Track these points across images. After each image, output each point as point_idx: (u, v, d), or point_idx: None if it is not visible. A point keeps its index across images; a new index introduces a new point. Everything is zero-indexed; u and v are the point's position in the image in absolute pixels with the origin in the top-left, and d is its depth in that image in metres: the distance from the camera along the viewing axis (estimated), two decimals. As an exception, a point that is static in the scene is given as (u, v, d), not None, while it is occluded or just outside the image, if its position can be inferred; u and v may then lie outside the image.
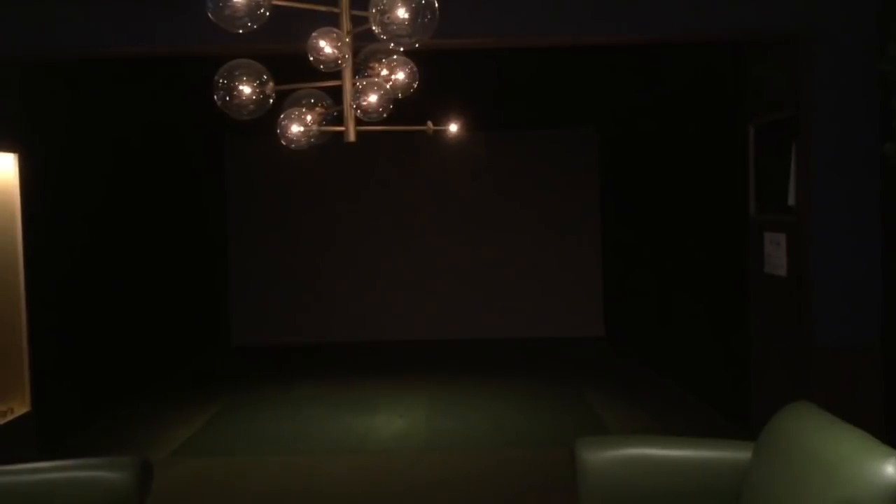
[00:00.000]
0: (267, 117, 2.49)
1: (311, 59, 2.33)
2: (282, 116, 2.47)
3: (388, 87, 2.44)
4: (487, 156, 9.58)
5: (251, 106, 2.39)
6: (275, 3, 2.12)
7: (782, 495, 2.60)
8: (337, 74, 2.38)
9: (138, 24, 3.93)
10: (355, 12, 2.27)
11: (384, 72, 2.49)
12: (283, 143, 2.48)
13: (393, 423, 6.23)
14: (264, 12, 2.11)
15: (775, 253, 4.21)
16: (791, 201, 4.09)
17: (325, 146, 2.89)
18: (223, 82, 2.37)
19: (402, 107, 2.72)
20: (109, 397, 6.62)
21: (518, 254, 9.77)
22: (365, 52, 2.55)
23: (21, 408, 5.13)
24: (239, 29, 2.16)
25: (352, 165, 9.54)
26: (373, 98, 2.38)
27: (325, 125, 2.54)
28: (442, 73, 5.75)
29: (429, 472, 5.13)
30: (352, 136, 2.40)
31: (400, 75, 2.50)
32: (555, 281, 9.77)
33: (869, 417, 3.72)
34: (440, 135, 5.30)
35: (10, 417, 5.01)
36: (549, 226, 9.77)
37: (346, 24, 2.32)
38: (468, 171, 9.65)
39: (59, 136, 5.88)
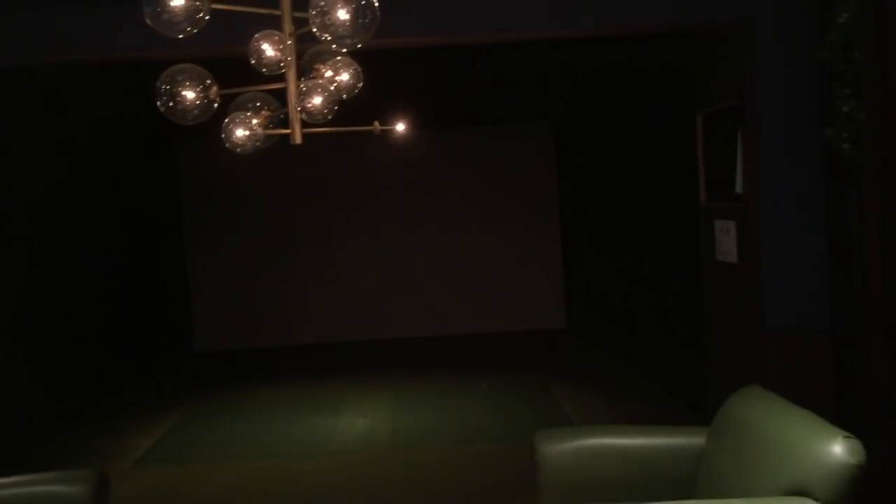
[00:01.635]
0: (221, 120, 2.47)
1: (254, 62, 2.32)
2: (226, 120, 2.45)
3: (332, 88, 2.44)
4: (445, 153, 9.60)
5: (195, 111, 2.36)
6: (214, 6, 2.11)
7: (735, 479, 2.66)
8: (282, 77, 2.37)
9: (80, 32, 3.88)
10: (297, 14, 2.26)
11: (328, 73, 2.48)
12: (229, 148, 2.46)
13: (357, 423, 6.22)
14: (203, 16, 2.10)
15: (725, 240, 4.28)
16: (738, 189, 4.16)
17: (277, 149, 2.88)
18: (166, 88, 2.35)
19: (354, 107, 2.71)
20: (69, 408, 6.52)
21: (478, 250, 9.80)
22: (309, 53, 2.55)
23: (-24, 424, 5.05)
24: (178, 34, 2.14)
25: (307, 168, 9.50)
26: (317, 100, 2.38)
27: (272, 128, 2.54)
28: (395, 71, 5.76)
29: (393, 471, 5.14)
30: (298, 139, 2.40)
31: (344, 76, 2.49)
32: (516, 275, 9.82)
33: (820, 399, 3.80)
34: (391, 134, 5.32)
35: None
36: (509, 221, 9.81)
37: (287, 26, 2.31)
38: (425, 169, 9.66)
39: (9, 145, 5.77)
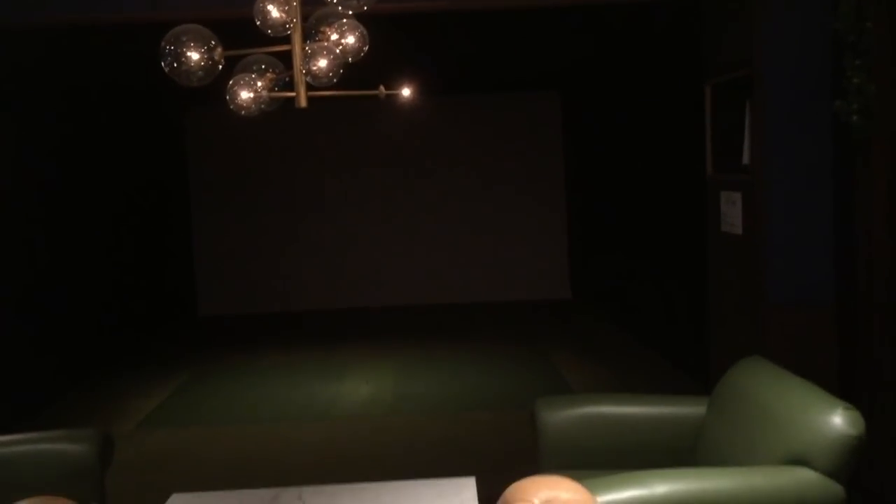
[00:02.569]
0: (225, 84, 2.45)
1: (259, 23, 2.29)
2: (231, 83, 2.44)
3: (338, 51, 2.41)
4: (451, 120, 9.56)
5: (200, 72, 2.34)
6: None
7: (734, 448, 2.67)
8: (287, 39, 2.35)
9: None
10: (304, -25, 2.24)
11: (334, 36, 2.46)
12: (233, 110, 2.45)
13: (360, 389, 6.26)
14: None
15: (731, 212, 4.26)
16: (745, 160, 4.13)
17: (282, 114, 2.86)
18: (170, 49, 2.33)
19: (360, 72, 2.69)
20: (75, 370, 6.57)
21: (483, 218, 9.79)
22: (315, 16, 2.52)
23: (-18, 383, 5.09)
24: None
25: (314, 133, 9.47)
26: (323, 63, 2.36)
27: (277, 91, 2.52)
28: (402, 36, 5.71)
29: (395, 437, 5.18)
30: (303, 102, 2.38)
31: (350, 39, 2.47)
32: (521, 244, 9.82)
33: (824, 372, 3.80)
34: (399, 100, 5.29)
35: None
36: (514, 189, 9.79)
37: (294, -13, 2.29)
38: (431, 137, 9.63)
39: (12, 109, 5.76)
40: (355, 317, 9.28)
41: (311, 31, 2.49)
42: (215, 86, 2.38)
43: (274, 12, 2.27)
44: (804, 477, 2.33)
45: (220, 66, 2.36)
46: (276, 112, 2.66)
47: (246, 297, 9.73)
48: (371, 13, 2.26)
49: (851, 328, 3.83)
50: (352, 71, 2.54)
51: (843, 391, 3.79)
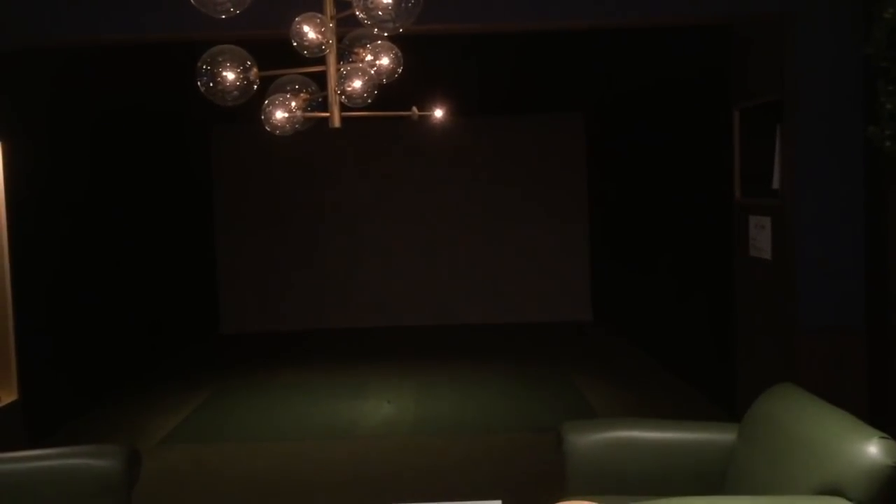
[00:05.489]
0: (253, 104, 2.48)
1: (295, 44, 2.32)
2: (266, 102, 2.46)
3: (372, 72, 2.43)
4: (474, 141, 9.58)
5: (235, 92, 2.37)
6: (258, -13, 2.11)
7: (766, 476, 2.63)
8: (321, 60, 2.37)
9: (123, 11, 3.91)
10: (340, -3, 2.26)
11: (369, 57, 2.48)
12: (268, 130, 2.47)
13: (381, 408, 6.24)
14: (247, -3, 2.10)
15: (760, 236, 4.23)
16: (775, 185, 4.11)
17: (312, 132, 2.88)
18: (206, 68, 2.36)
19: (388, 92, 2.72)
20: (98, 386, 6.60)
21: (505, 239, 9.78)
22: (349, 37, 2.55)
23: (8, 396, 5.12)
24: (222, 14, 2.15)
25: (339, 152, 9.52)
26: (357, 83, 2.37)
27: (310, 111, 2.54)
28: (429, 59, 5.75)
29: (417, 458, 5.15)
30: (337, 122, 2.40)
31: (384, 60, 2.49)
32: (542, 266, 9.79)
33: (853, 398, 3.75)
34: (426, 120, 5.31)
35: (-3, 406, 5.00)
36: (537, 211, 9.78)
37: (329, 8, 2.32)
38: (455, 157, 9.65)
39: (44, 126, 5.84)
40: (377, 336, 9.28)
41: (346, 52, 2.51)
42: (243, 103, 2.40)
43: (311, 34, 2.29)
44: (839, 507, 2.28)
45: (255, 87, 2.38)
46: (302, 131, 2.68)
47: (268, 315, 9.76)
48: (404, 35, 2.28)
49: (882, 352, 3.78)
50: (379, 90, 2.56)
51: (873, 416, 3.74)
